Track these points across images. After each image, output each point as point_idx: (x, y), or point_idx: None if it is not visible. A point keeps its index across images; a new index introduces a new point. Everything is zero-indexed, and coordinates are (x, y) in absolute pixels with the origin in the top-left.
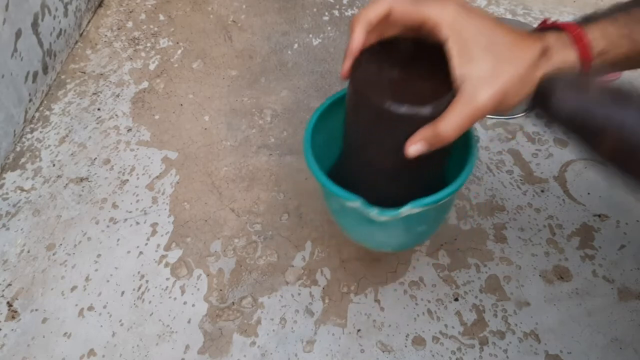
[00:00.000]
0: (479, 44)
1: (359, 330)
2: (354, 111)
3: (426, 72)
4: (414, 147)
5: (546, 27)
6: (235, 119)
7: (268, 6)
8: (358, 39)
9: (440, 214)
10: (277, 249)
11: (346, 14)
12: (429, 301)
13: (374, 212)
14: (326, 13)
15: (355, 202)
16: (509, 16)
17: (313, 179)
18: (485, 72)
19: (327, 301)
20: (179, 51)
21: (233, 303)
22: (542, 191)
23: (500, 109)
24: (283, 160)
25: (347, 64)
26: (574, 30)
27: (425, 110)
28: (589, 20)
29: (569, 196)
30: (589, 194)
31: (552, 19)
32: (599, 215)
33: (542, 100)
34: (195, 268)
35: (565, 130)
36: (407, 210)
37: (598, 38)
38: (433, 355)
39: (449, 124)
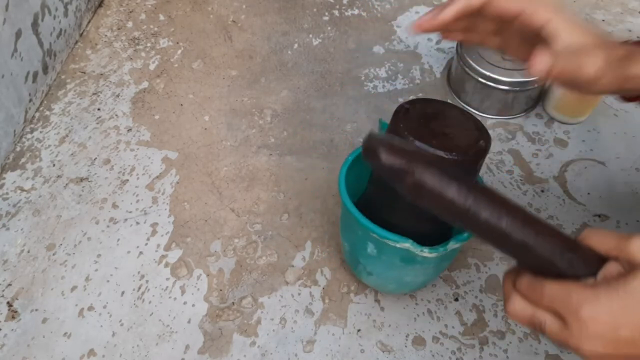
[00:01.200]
0: (578, 24)
1: (359, 330)
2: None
3: (446, 133)
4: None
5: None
6: (235, 119)
7: (268, 6)
8: (452, 10)
9: (457, 251)
10: (277, 249)
11: (346, 14)
12: (429, 301)
13: (426, 250)
14: (326, 13)
15: (406, 243)
16: None
17: (313, 179)
18: (591, 46)
19: (327, 301)
20: (179, 51)
21: (233, 303)
22: (542, 191)
23: (599, 77)
24: (283, 160)
25: (427, 20)
26: None
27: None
28: None
29: (569, 196)
30: (589, 194)
31: None
32: (599, 215)
33: (367, 154)
34: (195, 268)
35: (381, 173)
36: (451, 245)
37: None
38: (433, 355)
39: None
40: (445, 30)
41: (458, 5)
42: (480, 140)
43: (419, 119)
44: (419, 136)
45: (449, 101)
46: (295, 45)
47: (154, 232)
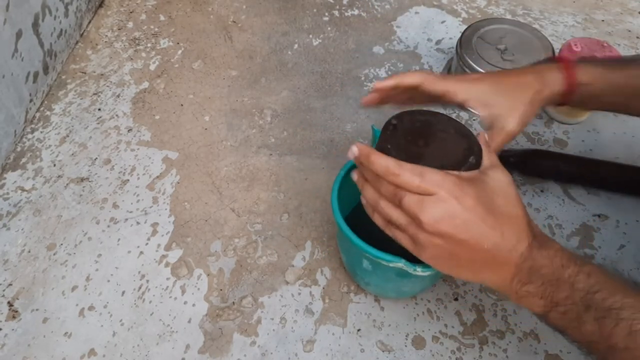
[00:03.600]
0: (491, 92)
1: (359, 330)
2: None
3: (438, 146)
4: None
5: (549, 59)
6: (235, 119)
7: (268, 6)
8: (387, 84)
9: None
10: (277, 249)
11: (346, 14)
12: (429, 301)
13: (419, 269)
14: (326, 13)
15: (399, 263)
16: (508, 16)
17: (313, 179)
18: (505, 109)
19: (327, 301)
20: (180, 51)
21: (233, 303)
22: (542, 191)
23: (521, 129)
24: (283, 160)
25: (369, 97)
26: (566, 61)
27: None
28: (581, 60)
29: (569, 196)
30: (588, 193)
31: (552, 19)
32: (599, 215)
33: None
34: (195, 268)
35: None
36: None
37: (583, 71)
38: (433, 355)
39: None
40: (387, 98)
41: (390, 82)
42: (470, 157)
43: (406, 135)
44: (407, 156)
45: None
46: (296, 46)
47: (154, 232)
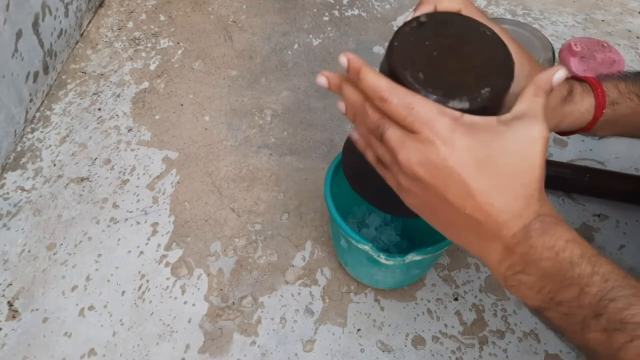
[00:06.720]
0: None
1: (359, 330)
2: None
3: (468, 59)
4: None
5: (571, 77)
6: (235, 119)
7: (268, 6)
8: (422, 10)
9: (433, 261)
10: (277, 249)
11: (346, 14)
12: (429, 301)
13: (382, 256)
14: (326, 13)
15: (366, 245)
16: (508, 16)
17: (313, 179)
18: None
19: (327, 301)
20: (180, 51)
21: (233, 303)
22: None
23: None
24: (283, 160)
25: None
26: (593, 80)
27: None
28: (605, 77)
29: (569, 196)
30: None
31: (552, 19)
32: (599, 215)
33: None
34: (195, 268)
35: None
36: (410, 257)
37: (611, 89)
38: (433, 355)
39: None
40: None
41: (427, 6)
42: (484, 87)
43: (429, 38)
44: (423, 67)
45: None
46: (296, 46)
47: (154, 232)
